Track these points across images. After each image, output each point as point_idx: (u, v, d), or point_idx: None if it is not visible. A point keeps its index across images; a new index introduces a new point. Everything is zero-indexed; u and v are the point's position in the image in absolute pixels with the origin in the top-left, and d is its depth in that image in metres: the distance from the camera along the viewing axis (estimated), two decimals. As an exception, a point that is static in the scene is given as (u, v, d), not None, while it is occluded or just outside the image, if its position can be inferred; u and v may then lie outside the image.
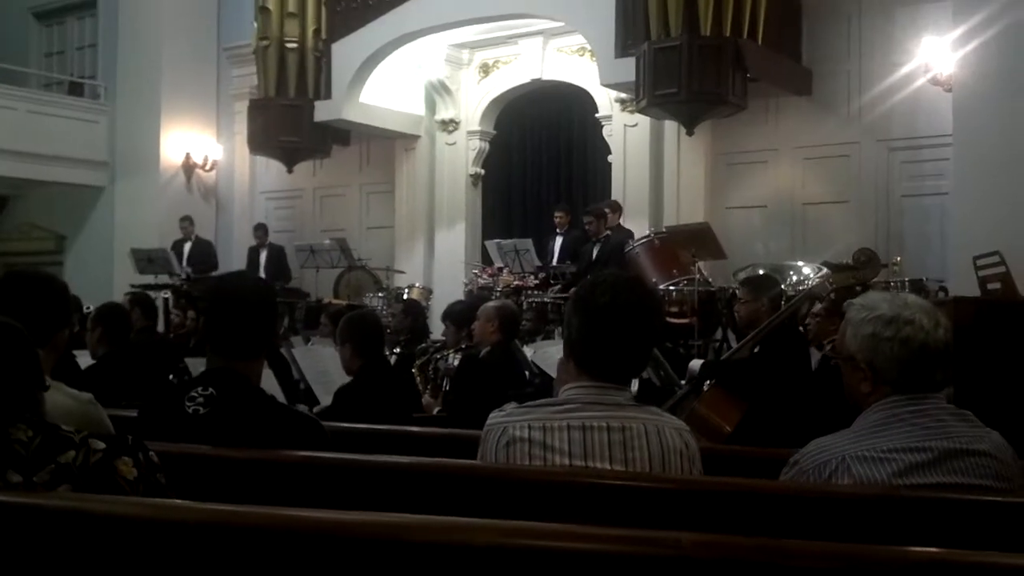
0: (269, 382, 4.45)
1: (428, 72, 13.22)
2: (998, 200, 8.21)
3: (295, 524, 1.70)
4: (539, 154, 13.12)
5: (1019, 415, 3.63)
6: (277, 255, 13.30)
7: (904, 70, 10.33)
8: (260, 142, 13.28)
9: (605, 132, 12.07)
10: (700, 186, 11.45)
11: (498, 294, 9.92)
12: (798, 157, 11.12)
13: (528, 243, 10.89)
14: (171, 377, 5.54)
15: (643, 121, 11.37)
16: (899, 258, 9.51)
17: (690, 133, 10.39)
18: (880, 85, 10.51)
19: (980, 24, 8.51)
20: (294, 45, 12.92)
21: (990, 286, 6.15)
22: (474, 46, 13.14)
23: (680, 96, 9.85)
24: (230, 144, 14.93)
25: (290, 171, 13.57)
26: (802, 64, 10.90)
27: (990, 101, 8.46)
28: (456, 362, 6.67)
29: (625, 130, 11.80)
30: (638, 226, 10.97)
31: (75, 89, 15.86)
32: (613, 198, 11.40)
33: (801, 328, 5.69)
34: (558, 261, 11.02)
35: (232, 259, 13.99)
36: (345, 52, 12.87)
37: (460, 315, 6.80)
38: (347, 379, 4.82)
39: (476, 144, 13.30)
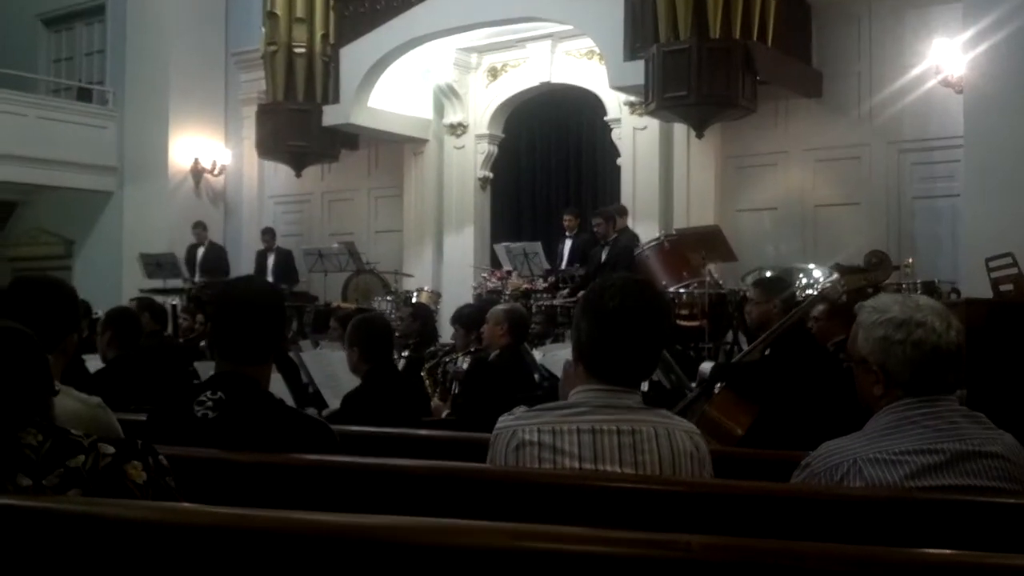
0: (278, 386, 4.45)
1: (436, 76, 13.24)
2: (1010, 201, 8.20)
3: (304, 527, 1.70)
4: (548, 157, 13.12)
5: (1032, 417, 3.61)
6: (284, 259, 13.31)
7: (915, 72, 10.31)
8: (268, 147, 13.30)
9: (614, 135, 12.06)
10: (710, 189, 11.44)
11: (507, 297, 9.91)
12: (808, 159, 11.10)
13: (537, 246, 10.88)
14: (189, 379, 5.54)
15: (652, 124, 11.36)
16: (911, 260, 9.47)
17: (700, 136, 10.38)
18: (891, 87, 10.49)
19: (991, 26, 8.50)
20: (302, 50, 12.94)
21: (1002, 288, 6.12)
22: (482, 50, 13.15)
23: (689, 99, 9.85)
24: (239, 149, 14.96)
25: (298, 175, 13.59)
26: (812, 66, 10.89)
27: (1001, 103, 8.44)
28: (465, 366, 6.66)
29: (634, 133, 11.80)
30: (648, 229, 10.96)
31: (84, 95, 15.93)
32: (622, 201, 11.39)
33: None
34: (567, 264, 11.01)
35: (241, 263, 14.01)
36: (353, 56, 12.89)
37: (469, 318, 6.78)
38: (356, 383, 4.82)
39: (485, 148, 13.31)
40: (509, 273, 11.10)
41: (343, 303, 12.07)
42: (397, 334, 8.01)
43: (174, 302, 12.61)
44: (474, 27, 12.29)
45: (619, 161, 11.96)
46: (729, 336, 9.43)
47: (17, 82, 14.85)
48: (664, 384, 5.60)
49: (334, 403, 5.24)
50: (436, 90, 13.40)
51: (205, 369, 5.35)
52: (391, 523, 1.70)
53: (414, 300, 11.23)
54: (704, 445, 2.44)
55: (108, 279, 13.95)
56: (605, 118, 12.17)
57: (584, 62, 12.32)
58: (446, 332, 8.83)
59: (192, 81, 14.68)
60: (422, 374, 7.04)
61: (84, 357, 5.61)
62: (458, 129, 13.38)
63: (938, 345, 2.29)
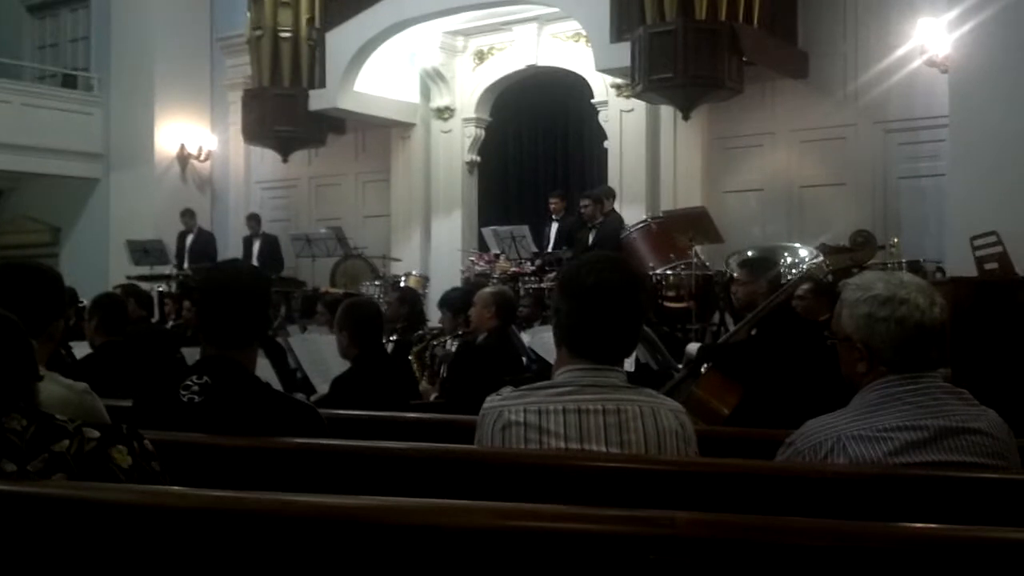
0: (265, 371, 4.45)
1: (423, 60, 13.19)
2: (995, 180, 8.21)
3: (289, 509, 1.70)
4: (535, 141, 13.11)
5: (1015, 393, 3.64)
6: (271, 245, 13.29)
7: (900, 52, 10.31)
8: (255, 132, 13.24)
9: (601, 118, 12.05)
10: (697, 170, 11.44)
11: (495, 281, 9.90)
12: (795, 140, 11.11)
13: (524, 229, 10.88)
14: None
15: (639, 106, 11.35)
16: (896, 239, 9.48)
17: (686, 118, 10.37)
18: (876, 67, 10.50)
19: (976, 5, 8.49)
20: (288, 34, 12.88)
21: (987, 266, 6.13)
22: (468, 33, 13.11)
23: (676, 81, 9.84)
24: (225, 134, 14.91)
25: (285, 161, 13.55)
26: (798, 47, 10.88)
27: (986, 82, 8.44)
28: (453, 349, 6.66)
29: (621, 115, 11.79)
30: (635, 211, 10.98)
31: (69, 81, 15.84)
32: (609, 184, 11.39)
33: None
34: (554, 247, 11.02)
35: (228, 249, 13.96)
36: (339, 41, 12.83)
37: (457, 302, 6.78)
38: (344, 367, 4.82)
39: (472, 131, 13.29)
40: (497, 256, 11.10)
41: (331, 288, 12.06)
42: (385, 318, 8.00)
43: (160, 288, 12.60)
44: (460, 10, 12.26)
45: (606, 144, 11.95)
46: (716, 317, 9.45)
47: (1, 69, 14.79)
48: (651, 365, 5.60)
49: (323, 388, 5.24)
50: (423, 74, 13.36)
51: (193, 356, 5.34)
52: (379, 503, 1.71)
53: (402, 284, 11.22)
54: (690, 424, 2.45)
55: (95, 266, 13.90)
56: (592, 100, 12.15)
57: (570, 44, 12.30)
58: (434, 316, 8.83)
59: (177, 67, 14.61)
60: (410, 358, 7.04)
61: (72, 344, 5.61)
62: (445, 113, 13.36)
63: (922, 322, 2.30)
